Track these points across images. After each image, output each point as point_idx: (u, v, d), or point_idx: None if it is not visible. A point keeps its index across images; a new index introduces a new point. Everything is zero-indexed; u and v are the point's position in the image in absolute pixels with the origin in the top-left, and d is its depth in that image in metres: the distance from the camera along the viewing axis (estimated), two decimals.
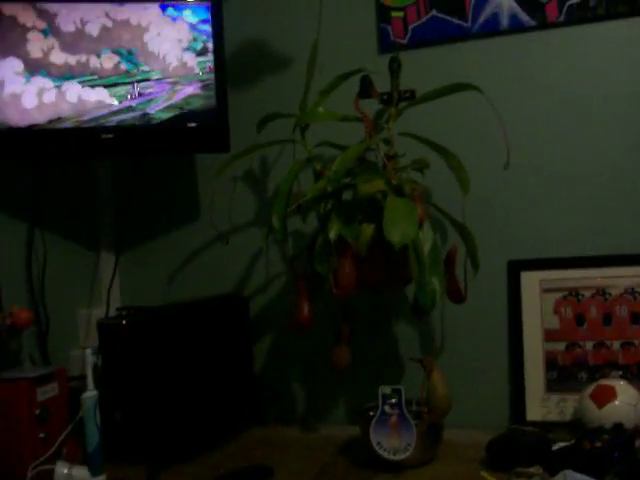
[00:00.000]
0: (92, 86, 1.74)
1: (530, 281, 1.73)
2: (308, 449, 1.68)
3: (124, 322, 1.60)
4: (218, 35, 1.81)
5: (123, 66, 1.76)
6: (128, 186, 2.09)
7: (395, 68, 1.71)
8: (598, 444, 1.34)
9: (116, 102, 1.75)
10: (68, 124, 1.72)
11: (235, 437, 1.79)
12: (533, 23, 1.71)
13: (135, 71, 1.76)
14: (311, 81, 1.70)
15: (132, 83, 1.76)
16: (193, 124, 1.80)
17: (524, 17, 1.71)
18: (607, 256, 1.68)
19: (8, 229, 1.82)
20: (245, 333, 1.89)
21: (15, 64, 1.68)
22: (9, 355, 1.72)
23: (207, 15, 1.80)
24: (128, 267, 2.10)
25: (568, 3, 1.68)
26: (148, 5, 1.77)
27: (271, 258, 1.96)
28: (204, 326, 1.74)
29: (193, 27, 1.79)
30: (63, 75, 1.72)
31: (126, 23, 1.76)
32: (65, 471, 1.50)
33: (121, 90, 1.76)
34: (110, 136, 1.75)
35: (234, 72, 1.95)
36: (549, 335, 1.70)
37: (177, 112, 1.79)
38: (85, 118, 1.73)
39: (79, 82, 1.73)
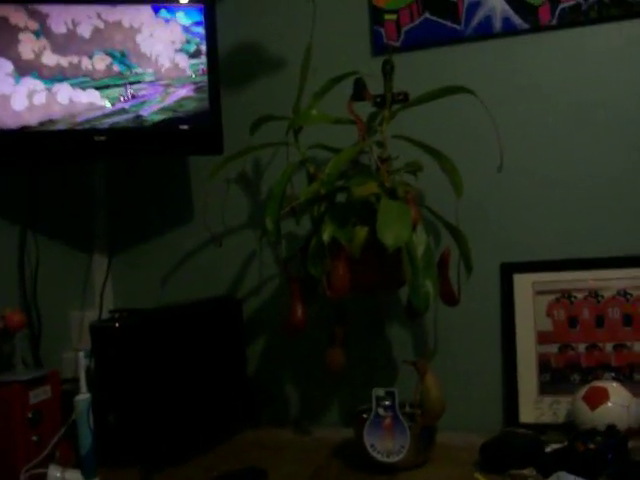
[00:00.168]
0: (84, 88, 1.73)
1: (523, 283, 1.74)
2: (302, 451, 1.68)
3: (117, 325, 1.60)
4: (211, 37, 1.81)
5: (116, 68, 1.75)
6: (121, 188, 2.09)
7: (388, 70, 1.71)
8: (591, 446, 1.34)
9: (109, 104, 1.75)
10: (61, 126, 1.72)
11: (228, 439, 1.79)
12: (526, 26, 1.72)
13: (128, 73, 1.76)
14: (304, 83, 1.70)
15: (125, 85, 1.76)
16: (186, 126, 1.80)
17: (517, 20, 1.72)
18: (599, 258, 1.69)
19: (0, 231, 1.81)
20: (238, 335, 1.89)
21: (5, 65, 1.67)
22: (1, 358, 1.71)
23: (200, 17, 1.80)
24: (121, 269, 2.09)
25: (561, 6, 1.69)
26: (140, 7, 1.77)
27: (264, 260, 1.96)
28: (197, 328, 1.74)
29: (186, 29, 1.79)
30: (54, 77, 1.71)
31: (118, 24, 1.76)
32: (58, 474, 1.49)
33: (114, 92, 1.75)
34: (103, 138, 1.75)
35: (227, 74, 1.94)
36: (542, 337, 1.71)
37: (170, 114, 1.78)
38: (78, 120, 1.73)
39: (70, 84, 1.72)
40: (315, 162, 1.80)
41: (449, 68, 1.78)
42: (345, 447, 1.66)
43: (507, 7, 1.72)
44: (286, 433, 1.84)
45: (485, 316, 1.77)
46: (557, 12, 1.69)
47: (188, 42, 1.79)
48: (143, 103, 1.77)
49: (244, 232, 1.99)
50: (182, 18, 1.79)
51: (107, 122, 1.75)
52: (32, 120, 1.70)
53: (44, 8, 1.71)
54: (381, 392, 1.50)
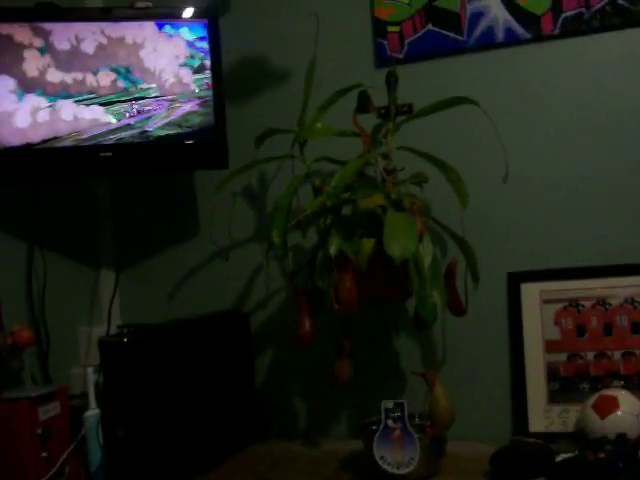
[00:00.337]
0: (88, 104, 1.74)
1: (530, 292, 1.73)
2: (311, 464, 1.68)
3: (125, 340, 1.60)
4: (215, 52, 1.82)
5: (121, 84, 1.76)
6: (127, 203, 2.09)
7: (392, 82, 1.72)
8: (602, 455, 1.34)
9: (114, 120, 1.76)
10: (66, 143, 1.73)
11: (238, 453, 1.79)
12: (528, 36, 1.72)
13: (133, 89, 1.77)
14: (309, 97, 1.71)
15: (130, 101, 1.77)
16: (191, 141, 1.81)
17: (519, 30, 1.72)
18: (606, 266, 1.69)
19: (8, 248, 1.82)
20: (246, 349, 1.89)
21: (8, 82, 1.68)
22: (10, 374, 1.72)
23: (204, 32, 1.81)
24: (128, 284, 2.10)
25: (563, 16, 1.69)
26: (144, 23, 1.78)
27: (271, 273, 1.96)
28: (205, 342, 1.74)
29: (190, 44, 1.80)
30: (58, 94, 1.72)
31: (121, 40, 1.77)
32: None
33: (119, 108, 1.76)
34: (109, 154, 1.76)
35: (232, 88, 1.95)
36: (550, 346, 1.70)
37: (176, 129, 1.79)
38: (83, 136, 1.74)
39: (75, 100, 1.74)
40: (320, 175, 1.81)
41: (452, 79, 1.79)
42: (354, 459, 1.66)
43: (509, 17, 1.73)
44: (295, 446, 1.84)
45: (493, 326, 1.77)
46: (559, 21, 1.69)
47: (192, 57, 1.80)
48: (148, 118, 1.78)
49: (250, 246, 2.00)
50: (186, 33, 1.80)
51: (113, 138, 1.76)
52: (36, 137, 1.71)
53: (47, 25, 1.72)
54: (390, 404, 1.50)
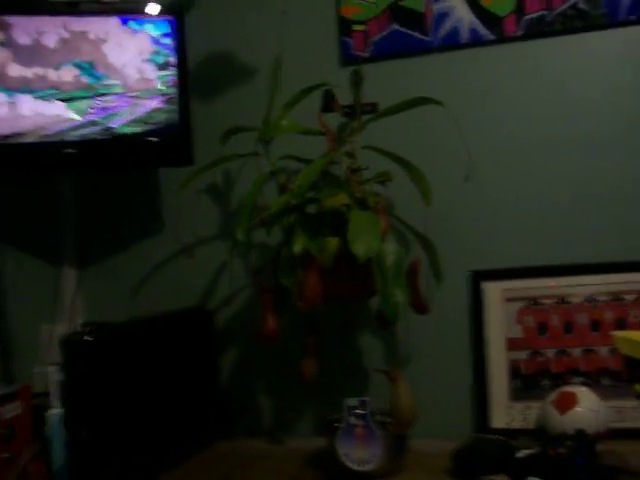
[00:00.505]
0: (50, 100, 1.72)
1: (492, 291, 1.75)
2: (276, 462, 1.68)
3: (87, 338, 1.59)
4: (180, 49, 1.81)
5: (84, 79, 1.74)
6: (91, 200, 2.07)
7: (357, 81, 1.73)
8: (562, 450, 1.36)
9: (78, 116, 1.74)
10: (29, 139, 1.70)
11: (202, 451, 1.78)
12: (492, 37, 1.74)
13: (97, 85, 1.75)
14: (275, 94, 1.71)
15: (94, 97, 1.75)
16: (156, 138, 1.79)
17: (483, 31, 1.74)
18: (567, 265, 1.71)
19: None
20: (210, 346, 1.89)
21: None
22: None
23: (169, 29, 1.80)
24: (91, 282, 2.08)
25: (525, 18, 1.71)
26: (108, 18, 1.76)
27: (235, 271, 1.96)
28: (169, 340, 1.73)
29: (155, 41, 1.78)
30: (18, 89, 1.70)
31: (84, 35, 1.75)
32: None
33: (83, 104, 1.75)
34: (73, 151, 1.74)
35: (197, 85, 1.94)
36: (512, 344, 1.73)
37: (140, 126, 1.78)
38: (47, 133, 1.72)
39: (35, 96, 1.71)
40: (285, 173, 1.81)
41: (417, 78, 1.80)
42: (319, 457, 1.66)
43: (474, 18, 1.74)
44: (260, 443, 1.84)
45: (455, 324, 1.79)
46: (522, 23, 1.71)
47: (157, 53, 1.79)
48: (113, 115, 1.76)
49: (215, 243, 1.99)
50: (151, 30, 1.78)
51: (77, 134, 1.74)
52: None
53: (9, 19, 1.69)
54: (353, 401, 1.51)
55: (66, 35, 1.74)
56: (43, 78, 1.72)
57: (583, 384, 1.65)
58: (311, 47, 1.88)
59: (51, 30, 1.73)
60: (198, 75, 1.95)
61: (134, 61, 1.77)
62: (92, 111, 1.75)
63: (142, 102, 1.78)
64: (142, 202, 2.06)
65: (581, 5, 1.67)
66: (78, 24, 1.74)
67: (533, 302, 1.72)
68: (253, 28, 1.93)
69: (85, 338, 1.58)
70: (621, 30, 1.68)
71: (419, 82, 1.79)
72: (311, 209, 1.64)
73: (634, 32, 1.67)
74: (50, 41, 1.73)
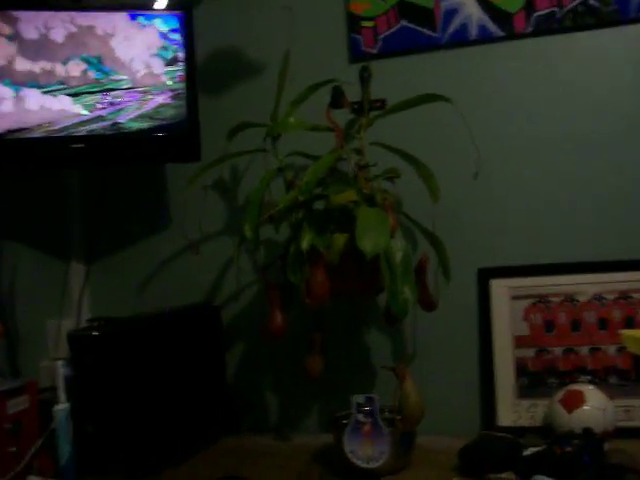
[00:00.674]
0: (57, 95, 1.72)
1: (500, 288, 1.75)
2: (282, 458, 1.68)
3: (95, 333, 1.59)
4: (189, 44, 1.80)
5: (92, 74, 1.74)
6: (98, 196, 2.07)
7: (366, 78, 1.73)
8: (569, 449, 1.36)
9: (86, 111, 1.74)
10: (37, 134, 1.70)
11: (209, 447, 1.78)
12: (501, 34, 1.73)
13: (105, 80, 1.75)
14: (282, 91, 1.71)
15: (102, 92, 1.75)
16: (164, 133, 1.79)
17: (493, 28, 1.73)
18: (575, 263, 1.71)
19: None
20: (217, 342, 1.89)
21: None
22: None
23: (177, 25, 1.79)
24: (98, 277, 2.08)
25: (535, 14, 1.70)
26: (116, 13, 1.76)
27: (242, 267, 1.96)
28: (176, 336, 1.74)
29: (163, 36, 1.78)
30: (25, 83, 1.69)
31: (92, 29, 1.74)
32: None
33: (91, 99, 1.74)
34: (80, 146, 1.74)
35: (205, 80, 1.94)
36: (519, 341, 1.72)
37: (148, 122, 1.78)
38: (55, 128, 1.72)
39: (43, 91, 1.71)
40: (293, 169, 1.81)
41: (426, 75, 1.80)
42: (325, 453, 1.66)
43: (483, 15, 1.74)
44: (266, 440, 1.84)
45: (462, 321, 1.78)
46: (532, 20, 1.71)
47: (165, 49, 1.78)
48: (120, 110, 1.76)
49: (222, 239, 1.99)
50: (159, 25, 1.78)
51: (84, 129, 1.74)
52: (1, 127, 1.68)
53: (15, 13, 1.69)
54: (361, 398, 1.51)
55: (73, 29, 1.73)
56: (50, 73, 1.72)
57: (590, 382, 1.64)
58: (320, 43, 1.88)
59: (58, 25, 1.72)
60: (206, 71, 1.95)
61: (142, 56, 1.77)
62: (100, 106, 1.75)
63: (150, 97, 1.77)
64: (149, 198, 2.06)
65: (592, 1, 1.66)
66: (85, 19, 1.74)
67: (540, 300, 1.72)
68: (262, 24, 1.93)
69: (93, 333, 1.58)
70: (632, 27, 1.67)
71: (428, 79, 1.79)
72: (319, 205, 1.64)
73: None
74: (57, 36, 1.72)
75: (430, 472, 1.50)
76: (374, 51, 1.82)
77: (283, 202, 1.57)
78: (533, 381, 1.71)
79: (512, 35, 1.73)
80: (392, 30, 1.81)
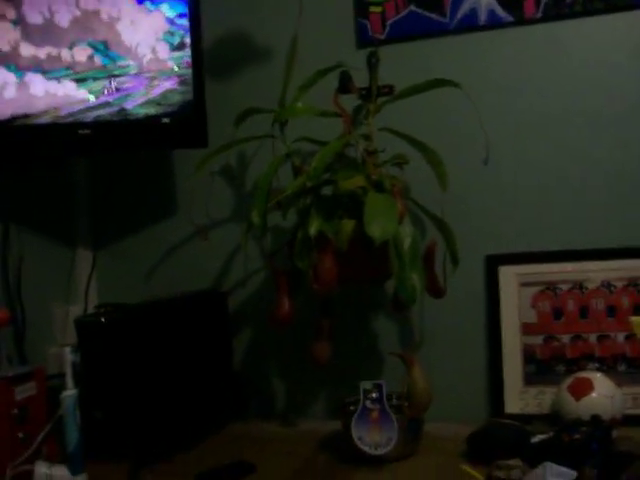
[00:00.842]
0: (63, 80, 1.71)
1: (508, 275, 1.74)
2: (289, 444, 1.68)
3: (103, 319, 1.59)
4: (196, 30, 1.79)
5: (98, 60, 1.73)
6: (105, 182, 2.07)
7: (373, 63, 1.72)
8: (577, 436, 1.35)
9: (92, 97, 1.73)
10: (43, 120, 1.70)
11: (216, 433, 1.79)
12: (510, 19, 1.72)
13: (111, 66, 1.74)
14: (290, 76, 1.70)
15: (109, 78, 1.74)
16: (171, 119, 1.78)
17: (502, 13, 1.72)
18: (583, 250, 1.70)
19: None
20: (224, 329, 1.89)
21: None
22: None
23: (185, 9, 1.78)
24: (106, 263, 2.08)
25: (545, 0, 1.69)
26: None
27: (249, 253, 1.96)
28: (183, 322, 1.74)
29: (170, 21, 1.77)
30: (30, 68, 1.68)
31: (97, 13, 1.73)
32: (45, 471, 1.49)
33: (97, 85, 1.74)
34: (87, 132, 1.73)
35: (212, 66, 1.93)
36: (527, 329, 1.72)
37: (155, 107, 1.77)
38: (62, 114, 1.71)
39: (49, 77, 1.70)
40: (300, 155, 1.80)
41: (434, 61, 1.79)
42: (332, 440, 1.66)
43: (492, 0, 1.72)
44: (273, 426, 1.84)
45: (470, 308, 1.78)
46: (542, 5, 1.69)
47: (172, 34, 1.77)
48: (127, 96, 1.75)
49: (229, 226, 1.99)
50: (166, 10, 1.77)
51: (91, 115, 1.73)
52: (6, 113, 1.67)
53: None
54: (369, 385, 1.51)
55: (78, 14, 1.72)
56: (56, 58, 1.71)
57: (598, 370, 1.64)
58: (327, 29, 1.87)
59: (63, 9, 1.71)
60: (213, 56, 1.94)
61: (148, 40, 1.76)
62: (106, 92, 1.74)
63: (157, 83, 1.77)
64: (156, 184, 2.06)
65: None
66: (90, 3, 1.73)
67: (549, 287, 1.71)
68: (269, 9, 1.92)
69: (101, 319, 1.58)
70: None
71: (436, 64, 1.78)
72: (327, 191, 1.63)
73: None
74: (62, 20, 1.71)
75: (438, 458, 1.50)
76: (382, 36, 1.81)
77: (291, 188, 1.57)
78: (541, 368, 1.70)
79: (522, 20, 1.72)
80: (400, 15, 1.80)
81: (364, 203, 1.48)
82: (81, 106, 1.73)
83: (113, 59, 1.74)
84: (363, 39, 1.83)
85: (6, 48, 1.67)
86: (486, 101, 1.72)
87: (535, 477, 1.27)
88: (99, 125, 1.74)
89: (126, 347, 1.59)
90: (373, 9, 1.81)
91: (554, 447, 1.37)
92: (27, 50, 1.68)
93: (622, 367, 1.66)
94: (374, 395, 1.50)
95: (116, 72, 1.75)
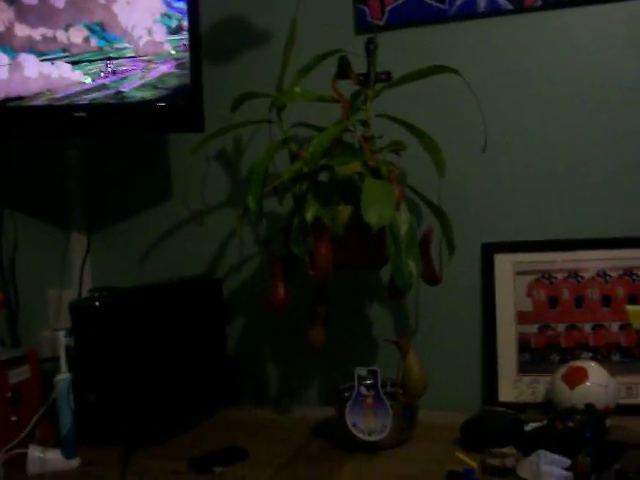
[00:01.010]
0: (59, 62, 1.69)
1: (503, 264, 1.74)
2: (282, 430, 1.68)
3: (97, 303, 1.59)
4: (193, 13, 1.78)
5: (94, 42, 1.72)
6: (99, 165, 2.06)
7: (372, 49, 1.71)
8: (570, 424, 1.36)
9: (89, 80, 1.72)
10: (39, 102, 1.68)
11: (209, 418, 1.79)
12: (510, 7, 1.71)
13: (108, 48, 1.73)
14: (288, 61, 1.68)
15: (105, 60, 1.73)
16: (167, 103, 1.77)
17: (501, 0, 1.71)
18: (580, 240, 1.70)
19: None
20: (218, 314, 1.89)
21: None
22: None
23: None
24: (100, 247, 2.07)
25: None
26: None
27: (245, 239, 1.95)
28: (177, 307, 1.73)
29: (168, 4, 1.75)
30: (24, 49, 1.66)
31: None
32: (38, 454, 1.49)
33: (93, 67, 1.72)
34: (82, 115, 1.72)
35: (210, 49, 1.92)
36: (522, 317, 1.72)
37: (151, 91, 1.76)
38: (57, 96, 1.69)
39: (43, 58, 1.68)
40: (297, 140, 1.79)
41: (433, 47, 1.78)
42: (326, 426, 1.66)
43: None
44: (266, 412, 1.84)
45: (466, 296, 1.78)
46: None
47: (169, 17, 1.76)
48: (124, 79, 1.74)
49: (224, 210, 1.98)
50: None
51: (87, 98, 1.72)
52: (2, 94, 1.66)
53: None
54: (363, 371, 1.51)
55: None
56: (52, 39, 1.69)
57: (593, 359, 1.64)
58: (326, 14, 1.85)
59: None
60: (211, 39, 1.93)
61: (144, 22, 1.73)
62: (103, 74, 1.72)
63: (153, 66, 1.75)
64: (152, 168, 2.05)
65: None
66: None
67: (544, 276, 1.71)
68: None
69: (95, 303, 1.58)
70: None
71: (435, 51, 1.77)
72: (323, 177, 1.62)
73: None
74: (58, 0, 1.69)
75: (432, 446, 1.50)
76: (381, 22, 1.80)
77: (287, 173, 1.56)
78: (535, 357, 1.71)
79: (521, 8, 1.71)
80: (399, 1, 1.79)
81: (361, 189, 1.47)
82: (77, 88, 1.71)
83: (109, 41, 1.73)
84: (362, 25, 1.82)
85: (1, 28, 1.65)
86: (484, 88, 1.71)
87: (529, 465, 1.28)
88: (95, 108, 1.72)
89: (120, 331, 1.59)
90: None
91: (548, 435, 1.38)
92: (22, 31, 1.66)
93: (616, 356, 1.66)
94: (369, 381, 1.50)
95: (112, 54, 1.73)
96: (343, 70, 1.71)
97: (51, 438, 1.60)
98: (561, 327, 1.70)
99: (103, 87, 1.73)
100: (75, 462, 1.50)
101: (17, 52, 1.66)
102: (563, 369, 1.59)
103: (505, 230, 1.75)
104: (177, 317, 1.72)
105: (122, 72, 1.74)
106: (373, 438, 1.48)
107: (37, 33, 1.68)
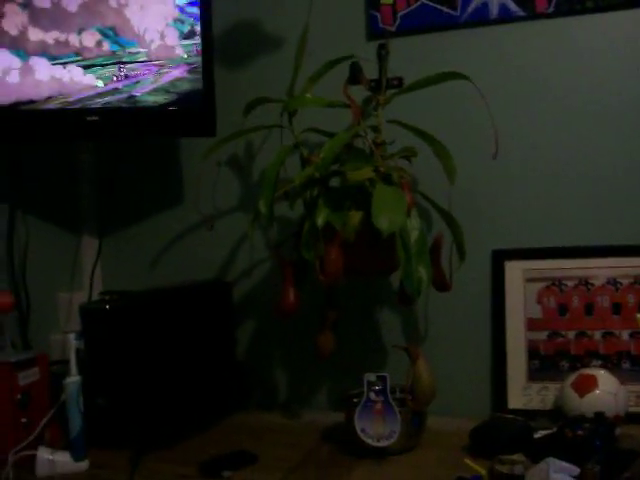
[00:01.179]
0: (71, 66, 1.70)
1: (514, 271, 1.74)
2: (291, 435, 1.68)
3: (108, 307, 1.59)
4: (206, 18, 1.78)
5: (107, 46, 1.72)
6: (111, 169, 2.07)
7: (383, 55, 1.71)
8: (580, 432, 1.36)
9: (101, 84, 1.73)
10: (52, 105, 1.69)
11: (218, 422, 1.79)
12: (522, 13, 1.71)
13: (121, 52, 1.74)
14: (300, 66, 1.69)
15: (117, 64, 1.74)
16: (179, 107, 1.78)
17: (513, 7, 1.71)
18: (590, 247, 1.70)
19: None
20: (228, 318, 1.89)
21: None
22: None
23: None
24: (110, 251, 2.08)
25: None
26: None
27: (256, 244, 1.95)
28: (187, 311, 1.73)
29: (181, 9, 1.76)
30: (37, 53, 1.67)
31: None
32: (47, 457, 1.50)
33: (107, 71, 1.73)
34: (95, 118, 1.72)
35: (222, 55, 1.93)
36: (532, 324, 1.72)
37: (163, 95, 1.76)
38: (71, 100, 1.70)
39: (56, 62, 1.69)
40: (308, 145, 1.79)
41: (444, 54, 1.78)
42: (335, 431, 1.67)
43: None
44: (275, 416, 1.84)
45: (476, 302, 1.78)
46: (554, 0, 1.68)
47: (182, 22, 1.77)
48: (137, 83, 1.74)
49: (235, 215, 1.98)
50: None
51: (99, 102, 1.73)
52: (17, 98, 1.67)
53: None
54: (373, 377, 1.51)
55: None
56: (65, 43, 1.70)
57: (602, 367, 1.63)
58: (338, 19, 1.86)
59: None
60: (223, 44, 1.94)
61: (156, 26, 1.74)
62: (115, 78, 1.73)
63: (166, 71, 1.76)
64: (162, 173, 2.05)
65: None
66: None
67: (554, 283, 1.71)
68: None
69: (105, 307, 1.58)
70: None
71: (446, 58, 1.77)
72: (335, 182, 1.63)
73: None
74: (70, 4, 1.70)
75: (440, 452, 1.50)
76: (392, 28, 1.80)
77: (299, 178, 1.56)
78: (544, 364, 1.70)
79: (533, 15, 1.71)
80: (411, 8, 1.79)
81: (372, 195, 1.47)
82: (90, 92, 1.72)
83: (122, 45, 1.74)
84: (374, 31, 1.82)
85: (14, 32, 1.66)
86: (496, 95, 1.71)
87: (538, 472, 1.27)
88: (107, 112, 1.73)
89: (130, 335, 1.59)
90: (384, 1, 1.80)
91: (557, 443, 1.37)
92: (35, 34, 1.67)
93: (626, 365, 1.65)
94: (378, 387, 1.50)
95: (125, 58, 1.74)
96: (355, 76, 1.71)
97: (60, 440, 1.60)
98: (571, 334, 1.69)
99: (116, 91, 1.73)
100: (84, 465, 1.51)
101: (29, 56, 1.67)
102: (573, 377, 1.59)
103: (516, 237, 1.75)
104: (187, 321, 1.72)
105: (135, 76, 1.74)
106: (382, 444, 1.48)
107: (50, 37, 1.69)
